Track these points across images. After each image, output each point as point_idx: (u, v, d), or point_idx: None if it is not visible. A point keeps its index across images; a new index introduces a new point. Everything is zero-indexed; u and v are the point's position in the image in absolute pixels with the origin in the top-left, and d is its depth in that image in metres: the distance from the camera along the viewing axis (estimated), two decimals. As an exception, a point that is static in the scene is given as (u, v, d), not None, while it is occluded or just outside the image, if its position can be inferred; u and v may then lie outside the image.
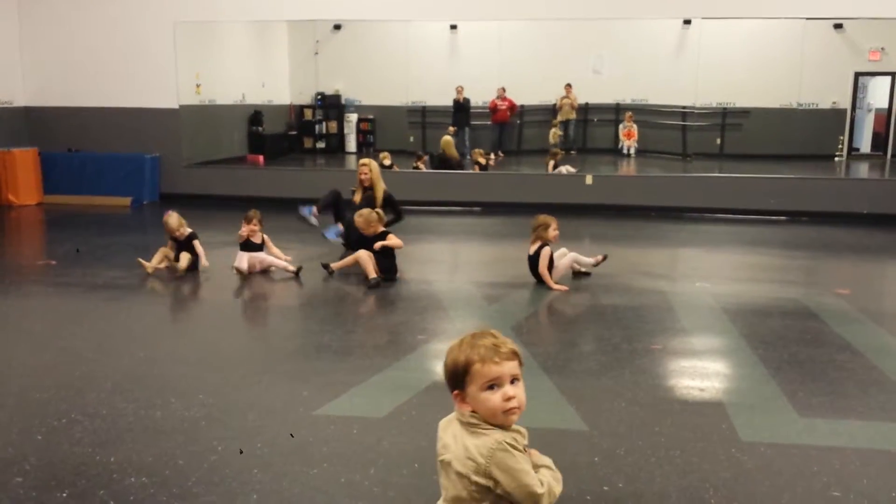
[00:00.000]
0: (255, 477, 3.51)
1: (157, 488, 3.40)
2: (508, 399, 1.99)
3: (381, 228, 7.30)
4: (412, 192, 11.61)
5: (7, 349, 5.38)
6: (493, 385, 1.99)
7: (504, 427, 2.03)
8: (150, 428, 4.02)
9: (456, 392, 2.04)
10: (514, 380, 2.03)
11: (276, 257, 7.55)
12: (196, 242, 7.52)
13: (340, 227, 8.55)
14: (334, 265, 7.37)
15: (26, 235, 10.67)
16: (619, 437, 3.95)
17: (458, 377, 2.02)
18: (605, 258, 7.39)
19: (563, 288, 6.90)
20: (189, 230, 7.57)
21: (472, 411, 2.03)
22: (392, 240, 7.18)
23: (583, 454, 3.77)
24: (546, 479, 2.07)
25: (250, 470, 3.57)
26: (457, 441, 2.04)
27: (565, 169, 13.00)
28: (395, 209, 8.32)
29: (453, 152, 13.78)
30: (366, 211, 7.36)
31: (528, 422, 4.02)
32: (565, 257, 7.18)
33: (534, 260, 6.98)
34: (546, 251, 6.92)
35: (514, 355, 2.03)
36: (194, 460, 3.66)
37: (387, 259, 7.18)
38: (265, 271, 7.51)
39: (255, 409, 4.26)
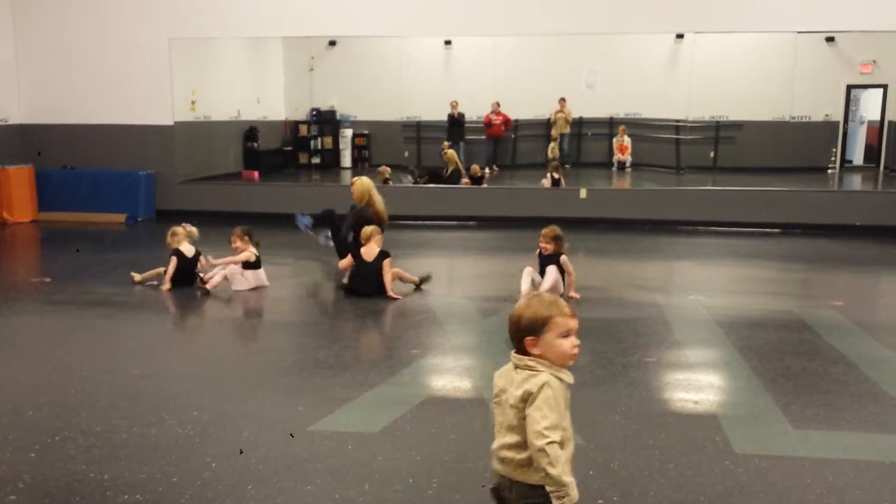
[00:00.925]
0: (249, 493, 3.50)
1: (150, 505, 3.39)
2: (576, 346, 2.52)
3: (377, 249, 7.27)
4: (407, 208, 11.65)
5: (1, 367, 5.37)
6: (567, 334, 2.51)
7: (563, 366, 2.53)
8: (144, 445, 4.01)
9: (532, 339, 2.50)
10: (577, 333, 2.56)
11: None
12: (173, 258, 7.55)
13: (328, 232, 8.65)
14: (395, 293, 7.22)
15: (21, 253, 10.66)
16: (614, 451, 3.96)
17: (537, 327, 2.50)
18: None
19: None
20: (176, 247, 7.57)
21: (534, 356, 2.50)
22: (387, 275, 7.17)
23: (577, 468, 3.73)
24: (558, 439, 2.45)
25: (244, 486, 3.56)
26: (513, 382, 2.51)
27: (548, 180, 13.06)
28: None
29: (459, 162, 13.90)
30: (367, 229, 7.35)
31: (523, 436, 4.01)
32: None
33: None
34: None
35: (575, 315, 2.56)
36: (188, 477, 3.65)
37: (377, 275, 7.17)
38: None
39: (249, 425, 4.25)
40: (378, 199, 8.26)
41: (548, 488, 2.46)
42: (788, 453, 3.97)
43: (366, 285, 7.10)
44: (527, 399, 2.46)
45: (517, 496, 2.56)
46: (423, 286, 7.39)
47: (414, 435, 4.15)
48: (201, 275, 7.43)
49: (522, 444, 2.49)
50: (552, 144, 16.55)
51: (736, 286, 8.15)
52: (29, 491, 3.54)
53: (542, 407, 2.43)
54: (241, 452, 3.72)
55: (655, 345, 5.82)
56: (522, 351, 2.52)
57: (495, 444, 2.60)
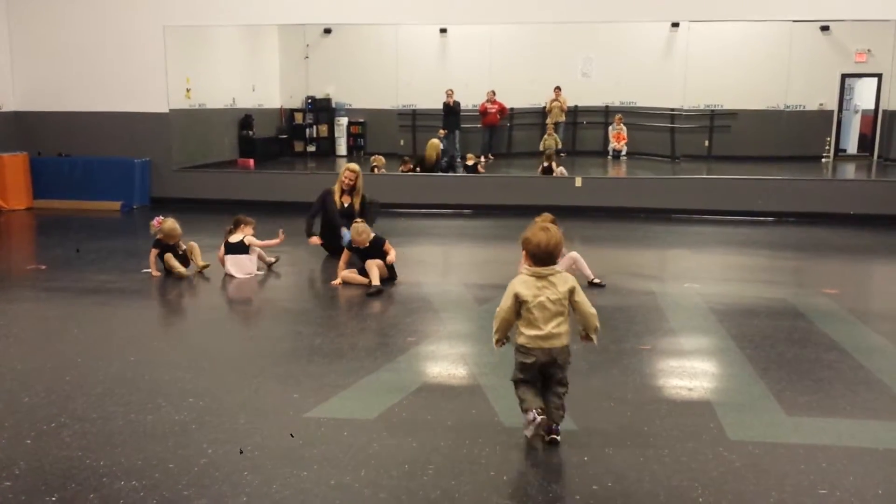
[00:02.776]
0: (245, 479, 3.51)
1: (146, 492, 3.40)
2: None
3: (372, 235, 7.28)
4: (402, 195, 11.66)
5: (-4, 354, 5.37)
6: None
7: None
8: (140, 431, 4.02)
9: (556, 256, 3.85)
10: None
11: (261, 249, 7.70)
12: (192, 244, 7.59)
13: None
14: (347, 277, 7.27)
15: (16, 240, 10.64)
16: (608, 437, 3.98)
17: (560, 249, 3.89)
18: None
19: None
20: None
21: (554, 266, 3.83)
22: (392, 253, 7.25)
23: (572, 454, 3.79)
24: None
25: (241, 472, 3.57)
26: (548, 287, 3.79)
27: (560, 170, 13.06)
28: (366, 214, 8.31)
29: (431, 154, 13.76)
30: (360, 225, 7.34)
31: (519, 422, 4.06)
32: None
33: None
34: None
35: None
36: (185, 464, 3.66)
37: (387, 266, 7.24)
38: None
39: (245, 412, 4.26)
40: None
41: (594, 336, 3.90)
42: (782, 440, 3.99)
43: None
44: (573, 291, 3.82)
45: (565, 354, 3.85)
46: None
47: (410, 421, 4.16)
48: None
49: (564, 322, 3.81)
50: (546, 136, 16.44)
51: (730, 274, 8.18)
52: (25, 477, 3.55)
53: (581, 292, 3.87)
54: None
55: (650, 332, 5.84)
56: (548, 263, 3.81)
57: (545, 331, 3.76)
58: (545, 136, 16.35)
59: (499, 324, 3.86)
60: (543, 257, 3.79)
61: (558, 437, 3.86)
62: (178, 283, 7.36)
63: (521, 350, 3.82)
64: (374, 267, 7.06)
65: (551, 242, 3.78)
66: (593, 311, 3.88)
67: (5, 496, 3.38)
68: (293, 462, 3.68)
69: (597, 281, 7.13)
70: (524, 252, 3.91)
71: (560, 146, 16.13)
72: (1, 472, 3.58)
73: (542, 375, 3.84)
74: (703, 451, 3.84)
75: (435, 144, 13.95)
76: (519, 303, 3.78)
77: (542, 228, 3.86)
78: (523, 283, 3.79)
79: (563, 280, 3.81)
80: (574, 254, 7.21)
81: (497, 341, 3.90)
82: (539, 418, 3.71)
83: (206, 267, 7.60)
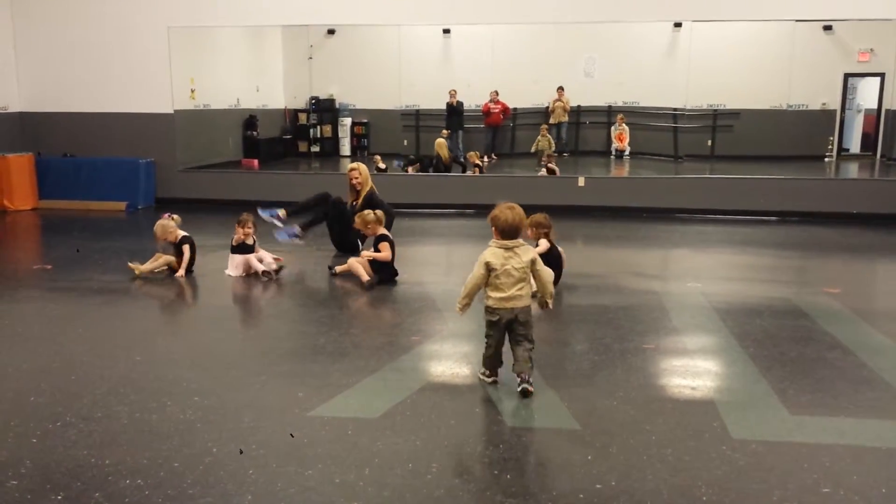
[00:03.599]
0: (250, 478, 3.53)
1: (152, 490, 3.42)
2: None
3: (381, 230, 7.35)
4: (406, 195, 11.66)
5: (2, 353, 5.39)
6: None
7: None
8: (145, 430, 4.04)
9: (522, 231, 4.53)
10: None
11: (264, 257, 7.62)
12: (185, 247, 7.55)
13: (296, 228, 8.56)
14: (338, 268, 7.44)
15: (22, 240, 10.66)
16: (612, 436, 3.99)
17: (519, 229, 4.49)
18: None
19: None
20: (182, 234, 7.60)
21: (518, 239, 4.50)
22: (383, 251, 7.26)
23: (576, 453, 3.81)
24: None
25: (245, 471, 3.59)
26: (513, 257, 4.46)
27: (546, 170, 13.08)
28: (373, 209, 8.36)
29: (445, 153, 13.89)
30: (365, 212, 7.41)
31: (522, 421, 4.09)
32: None
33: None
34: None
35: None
36: (190, 462, 3.68)
37: (382, 262, 7.25)
38: (255, 272, 7.53)
39: (250, 411, 4.28)
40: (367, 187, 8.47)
41: (549, 300, 4.63)
42: (785, 438, 4.00)
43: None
44: (535, 261, 4.50)
45: (525, 313, 4.50)
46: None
47: (414, 420, 4.18)
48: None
49: (526, 286, 4.49)
50: (539, 137, 16.23)
51: (733, 273, 8.18)
52: (30, 476, 3.57)
53: (541, 262, 4.58)
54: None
55: (653, 331, 5.85)
56: (513, 237, 4.46)
57: (508, 293, 4.44)
58: (538, 137, 16.23)
59: (469, 289, 4.53)
60: (510, 232, 4.47)
61: (530, 388, 4.45)
62: (183, 284, 7.37)
63: (489, 310, 4.53)
64: (358, 267, 7.19)
65: (516, 219, 4.46)
66: (550, 279, 4.65)
67: (11, 495, 3.40)
68: (298, 460, 3.69)
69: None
70: (493, 228, 4.53)
71: (553, 148, 15.97)
72: (7, 471, 3.60)
73: (507, 331, 4.54)
74: (706, 449, 3.85)
75: (443, 143, 14.01)
76: (489, 271, 4.45)
77: (509, 207, 4.50)
78: (493, 254, 4.48)
79: (525, 251, 4.50)
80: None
81: (464, 306, 4.59)
82: (495, 378, 4.66)
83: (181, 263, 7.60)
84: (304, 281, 7.94)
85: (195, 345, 5.71)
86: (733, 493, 3.43)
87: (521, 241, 4.51)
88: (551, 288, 4.62)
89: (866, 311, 6.48)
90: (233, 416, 4.22)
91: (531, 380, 4.47)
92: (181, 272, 7.47)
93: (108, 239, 9.84)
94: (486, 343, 4.62)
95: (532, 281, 4.55)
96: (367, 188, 8.46)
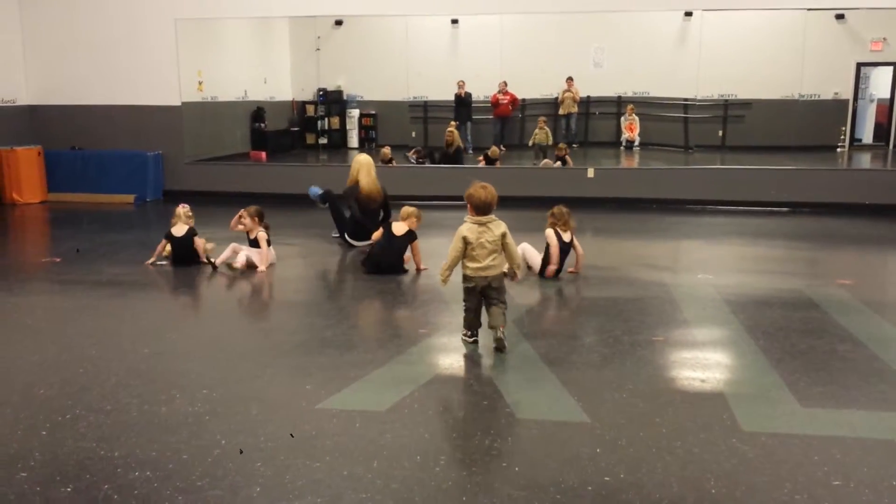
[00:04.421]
0: (258, 470, 3.53)
1: (161, 482, 3.42)
2: None
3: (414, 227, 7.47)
4: (415, 187, 11.64)
5: (12, 346, 5.41)
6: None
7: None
8: (154, 423, 4.05)
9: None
10: None
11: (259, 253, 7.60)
12: (195, 239, 7.58)
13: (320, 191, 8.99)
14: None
15: (30, 233, 10.70)
16: (621, 429, 3.97)
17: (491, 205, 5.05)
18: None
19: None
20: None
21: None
22: (416, 254, 7.44)
23: (585, 445, 3.79)
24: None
25: (254, 463, 3.59)
26: (486, 231, 5.05)
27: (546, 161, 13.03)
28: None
29: (453, 138, 13.88)
30: (406, 210, 7.53)
31: (531, 414, 4.08)
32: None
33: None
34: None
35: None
36: (198, 454, 3.68)
37: (399, 252, 7.33)
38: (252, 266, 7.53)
39: (258, 403, 4.28)
40: (365, 180, 8.31)
41: (517, 270, 5.20)
42: (796, 431, 3.97)
43: (387, 257, 7.26)
44: (505, 235, 5.07)
45: (498, 279, 5.12)
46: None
47: (422, 413, 4.17)
48: (212, 260, 7.48)
49: (498, 257, 5.07)
50: (536, 130, 15.80)
51: (744, 265, 8.13)
52: (40, 468, 3.58)
53: (510, 236, 5.11)
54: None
55: (663, 324, 5.82)
56: (486, 213, 5.07)
57: (483, 263, 5.05)
58: (536, 130, 15.82)
59: (451, 261, 5.13)
60: (483, 208, 5.07)
61: (503, 339, 5.04)
62: (191, 276, 7.38)
63: (466, 278, 5.15)
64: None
65: (488, 197, 5.05)
66: (518, 251, 5.26)
67: (21, 487, 3.41)
68: (306, 453, 3.69)
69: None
70: (469, 205, 5.12)
71: (550, 141, 15.54)
72: (17, 464, 3.61)
73: (482, 297, 5.14)
74: (716, 442, 3.82)
75: (456, 135, 14.01)
76: (465, 244, 5.04)
77: (482, 187, 5.10)
78: (469, 229, 5.10)
79: (497, 226, 5.09)
80: (525, 244, 7.18)
81: (446, 277, 5.19)
82: (476, 337, 5.22)
83: (211, 252, 7.64)
84: (312, 273, 7.94)
85: (203, 337, 5.72)
86: (743, 485, 3.41)
87: (493, 216, 5.10)
88: (518, 259, 5.20)
89: (879, 303, 6.44)
90: (241, 408, 4.22)
91: (505, 333, 5.08)
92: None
93: (117, 232, 9.86)
94: (465, 308, 5.21)
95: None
96: (352, 183, 8.45)
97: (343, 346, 5.30)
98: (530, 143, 15.82)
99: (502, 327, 5.05)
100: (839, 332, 5.58)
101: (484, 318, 5.22)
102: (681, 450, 3.74)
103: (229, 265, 7.42)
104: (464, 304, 5.21)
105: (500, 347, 5.03)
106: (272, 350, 5.30)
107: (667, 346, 5.34)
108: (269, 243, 7.55)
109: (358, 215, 8.33)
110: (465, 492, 3.35)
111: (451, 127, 14.30)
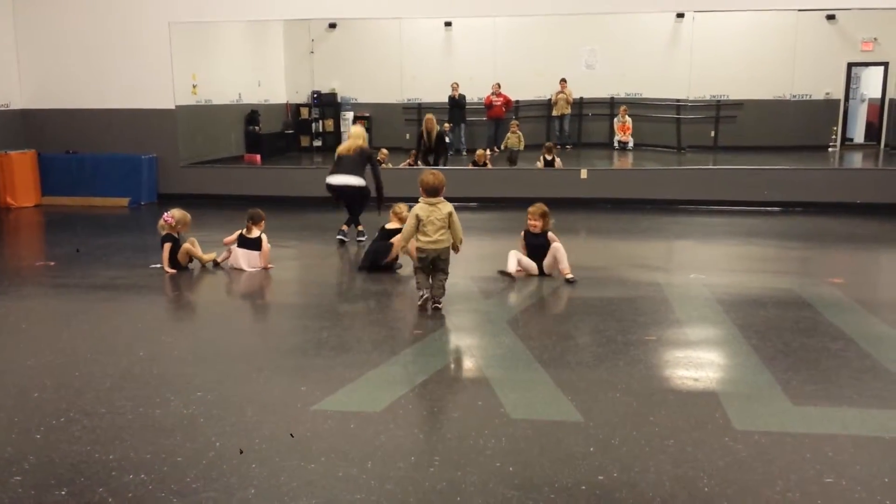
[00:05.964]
0: (253, 472, 3.54)
1: (155, 485, 3.43)
2: None
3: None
4: (409, 189, 11.63)
5: (6, 350, 5.41)
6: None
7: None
8: (148, 425, 4.05)
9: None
10: None
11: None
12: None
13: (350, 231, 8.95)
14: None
15: (25, 237, 10.69)
16: (614, 428, 3.99)
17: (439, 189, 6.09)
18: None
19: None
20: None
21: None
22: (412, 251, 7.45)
23: (578, 444, 3.81)
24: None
25: (248, 465, 3.60)
26: (435, 210, 6.04)
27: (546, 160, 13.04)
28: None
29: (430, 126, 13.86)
30: (405, 207, 7.64)
31: (525, 413, 4.09)
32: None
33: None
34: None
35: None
36: (193, 457, 3.69)
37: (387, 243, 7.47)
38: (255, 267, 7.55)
39: (253, 405, 4.29)
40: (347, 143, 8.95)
41: (459, 244, 6.22)
42: (788, 429, 3.99)
43: (381, 254, 7.45)
44: (451, 214, 6.08)
45: (445, 253, 6.14)
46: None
47: (416, 413, 4.19)
48: (217, 260, 7.62)
49: (445, 233, 6.08)
50: (508, 134, 15.31)
51: (736, 264, 8.17)
52: (34, 471, 3.58)
53: (455, 214, 6.10)
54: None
55: (656, 323, 5.85)
56: (435, 196, 6.05)
57: (433, 238, 6.05)
58: (508, 134, 15.36)
59: (405, 235, 6.17)
60: (431, 191, 6.04)
61: (440, 306, 6.11)
62: (186, 277, 7.38)
63: (419, 251, 6.12)
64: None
65: (435, 182, 6.04)
66: (460, 228, 6.17)
67: (15, 490, 3.41)
68: (301, 454, 3.70)
69: (570, 277, 7.05)
70: (421, 189, 6.06)
71: (523, 147, 15.07)
72: (11, 467, 3.61)
73: (431, 266, 6.13)
74: (708, 440, 3.84)
75: (431, 118, 13.97)
76: (418, 221, 6.02)
77: (432, 174, 6.11)
78: (421, 209, 6.05)
79: (444, 206, 6.09)
80: (557, 244, 7.18)
81: (401, 248, 6.58)
82: (426, 293, 6.17)
83: (214, 259, 7.64)
84: (307, 276, 7.95)
85: (198, 340, 5.72)
86: (736, 483, 3.43)
87: (441, 198, 6.09)
88: (461, 235, 6.18)
89: (870, 302, 6.47)
90: (236, 410, 4.23)
91: (442, 301, 6.15)
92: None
93: (112, 235, 9.86)
94: (416, 270, 6.24)
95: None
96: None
97: (338, 348, 5.31)
98: (502, 147, 15.67)
99: (440, 296, 6.15)
100: (831, 330, 5.61)
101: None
102: (674, 448, 3.76)
103: (220, 264, 7.44)
104: (415, 272, 6.26)
105: (437, 309, 6.08)
106: (267, 352, 5.31)
107: (660, 345, 5.36)
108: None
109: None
110: (460, 492, 3.37)
111: (429, 115, 14.25)
